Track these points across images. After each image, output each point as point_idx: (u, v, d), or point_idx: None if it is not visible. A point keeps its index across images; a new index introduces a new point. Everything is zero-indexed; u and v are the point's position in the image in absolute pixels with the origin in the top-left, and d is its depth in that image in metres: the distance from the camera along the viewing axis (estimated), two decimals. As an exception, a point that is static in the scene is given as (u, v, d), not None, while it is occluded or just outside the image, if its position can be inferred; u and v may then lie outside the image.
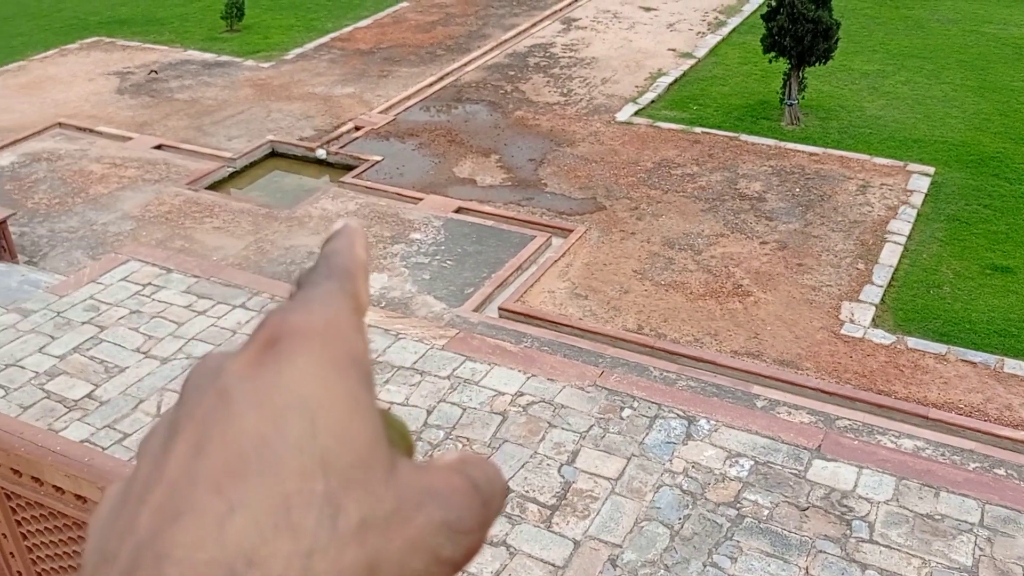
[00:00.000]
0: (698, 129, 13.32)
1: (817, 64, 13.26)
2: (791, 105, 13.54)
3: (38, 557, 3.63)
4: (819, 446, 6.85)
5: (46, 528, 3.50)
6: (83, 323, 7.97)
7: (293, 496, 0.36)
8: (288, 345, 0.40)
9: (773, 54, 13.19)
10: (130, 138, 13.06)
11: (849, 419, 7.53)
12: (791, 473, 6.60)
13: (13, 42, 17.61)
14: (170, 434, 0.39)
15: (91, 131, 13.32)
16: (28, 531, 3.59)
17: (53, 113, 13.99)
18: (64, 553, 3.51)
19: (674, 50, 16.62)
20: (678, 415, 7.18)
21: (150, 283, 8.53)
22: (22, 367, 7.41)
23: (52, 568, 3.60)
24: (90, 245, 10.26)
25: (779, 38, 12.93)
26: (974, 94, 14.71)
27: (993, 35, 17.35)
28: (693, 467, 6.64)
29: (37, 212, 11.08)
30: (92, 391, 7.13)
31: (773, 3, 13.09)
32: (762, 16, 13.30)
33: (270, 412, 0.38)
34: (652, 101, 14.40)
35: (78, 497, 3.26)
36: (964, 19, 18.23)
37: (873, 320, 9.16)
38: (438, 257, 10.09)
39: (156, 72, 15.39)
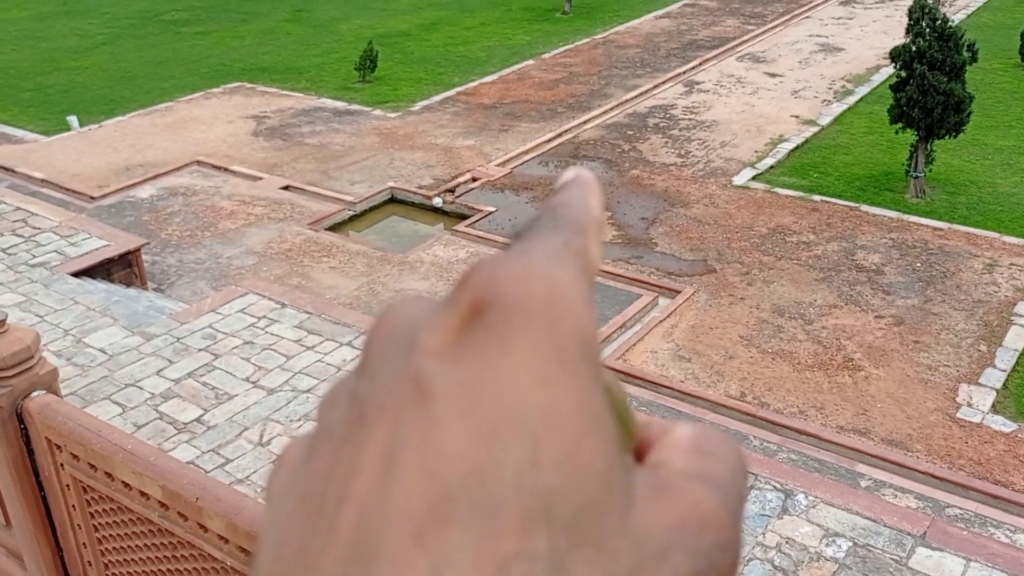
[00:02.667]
0: (817, 197, 13.06)
1: (947, 137, 12.85)
2: (917, 178, 13.13)
3: (106, 549, 3.87)
4: (925, 533, 6.50)
5: (114, 522, 3.72)
6: (199, 350, 8.37)
7: (511, 561, 0.28)
8: (502, 320, 0.31)
9: (900, 125, 12.87)
10: (260, 178, 13.74)
11: (960, 508, 7.13)
12: (892, 559, 6.28)
13: (164, 84, 18.89)
14: (355, 417, 0.32)
15: (226, 170, 14.09)
16: (99, 523, 3.84)
17: (193, 151, 14.88)
18: (128, 547, 3.73)
19: (797, 116, 16.41)
20: (775, 487, 6.96)
21: (265, 316, 8.90)
22: (140, 387, 7.82)
23: (117, 560, 3.83)
24: (214, 276, 10.80)
25: (907, 109, 12.61)
26: (1120, 175, 13.93)
27: None
28: (787, 543, 6.40)
29: (169, 243, 11.76)
30: (201, 415, 7.46)
31: (903, 74, 12.80)
32: (891, 86, 13.02)
33: (481, 427, 0.30)
34: (771, 166, 14.22)
35: (143, 494, 3.44)
36: (1112, 97, 17.36)
37: (993, 406, 8.69)
38: (542, 309, 10.15)
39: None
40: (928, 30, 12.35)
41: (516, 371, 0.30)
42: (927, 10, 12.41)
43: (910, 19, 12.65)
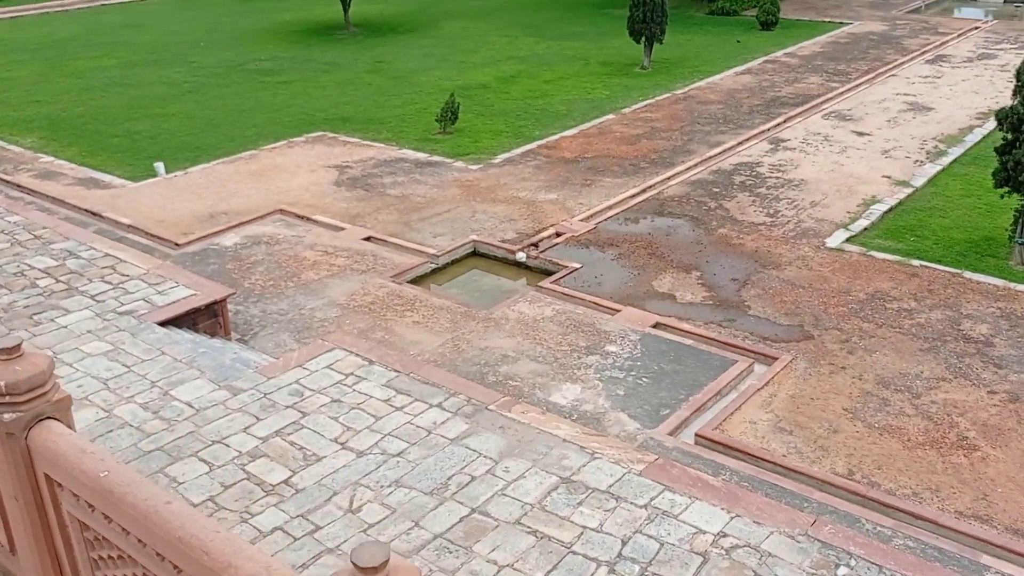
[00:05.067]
0: (916, 262, 12.49)
1: (1055, 202, 12.23)
2: (1022, 244, 12.50)
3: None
4: (1073, 643, 5.89)
5: (114, 561, 3.59)
6: (287, 407, 8.16)
7: None
8: None
9: (1006, 189, 12.30)
10: (343, 228, 13.69)
11: (1106, 613, 6.49)
12: (1039, 671, 5.68)
13: (248, 132, 19.16)
14: None
15: (308, 219, 14.08)
16: (99, 560, 3.72)
17: (276, 200, 14.94)
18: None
19: (889, 177, 15.88)
20: (899, 581, 6.41)
21: (352, 373, 8.67)
22: (227, 445, 7.62)
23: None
24: (297, 328, 10.66)
25: (1014, 173, 12.06)
26: None
27: None
28: (918, 646, 5.85)
29: (252, 292, 11.70)
30: (289, 477, 7.21)
31: (1008, 136, 12.27)
32: (996, 149, 12.47)
33: None
34: (865, 228, 13.70)
35: (140, 542, 3.31)
36: None
37: None
38: (633, 373, 9.77)
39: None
40: (1038, 92, 11.82)
41: None
42: (1037, 71, 11.90)
43: (1018, 80, 12.15)
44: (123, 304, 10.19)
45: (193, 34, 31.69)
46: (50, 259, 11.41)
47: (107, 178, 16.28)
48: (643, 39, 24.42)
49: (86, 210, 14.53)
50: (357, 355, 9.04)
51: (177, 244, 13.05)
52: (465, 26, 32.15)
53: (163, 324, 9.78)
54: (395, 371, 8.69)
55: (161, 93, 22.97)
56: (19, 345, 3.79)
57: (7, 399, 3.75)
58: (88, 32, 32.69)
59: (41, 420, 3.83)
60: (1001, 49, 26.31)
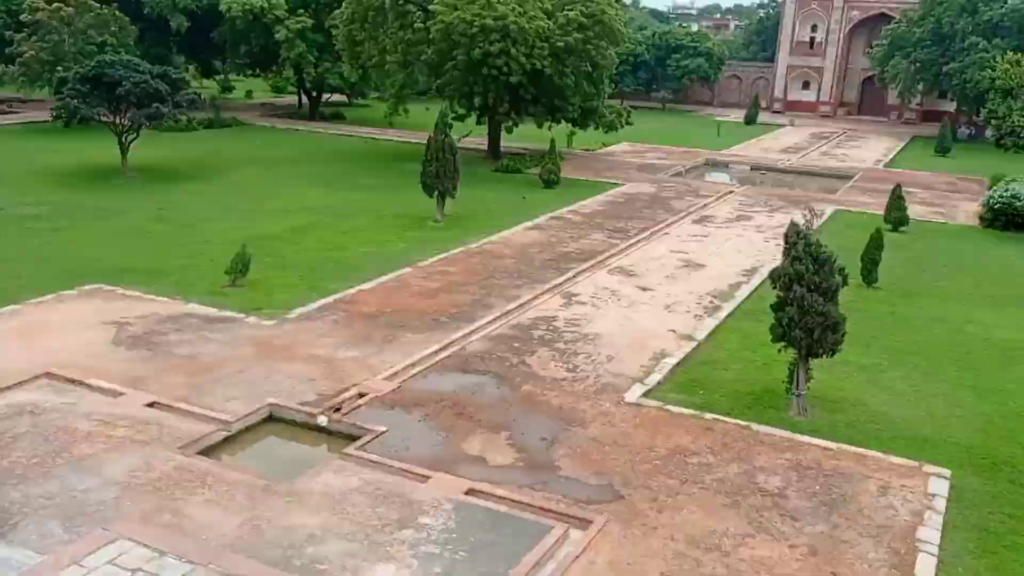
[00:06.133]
0: (709, 415, 13.07)
1: (824, 356, 13.31)
2: (799, 396, 13.44)
3: None
4: None
5: None
6: (59, 616, 7.02)
7: None
8: None
9: (783, 344, 13.27)
10: (122, 393, 12.51)
11: None
12: None
13: (8, 284, 17.42)
14: None
15: (81, 383, 12.77)
16: None
17: (43, 362, 13.48)
18: None
19: (674, 331, 16.80)
20: None
21: (140, 568, 7.66)
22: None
23: None
24: (67, 515, 9.38)
25: (789, 329, 13.05)
26: (972, 394, 14.76)
27: (977, 335, 17.81)
28: None
29: (12, 473, 10.27)
30: None
31: (780, 295, 13.32)
32: (771, 306, 13.49)
33: None
34: (659, 382, 14.27)
35: None
36: (947, 318, 18.82)
37: (926, 646, 8.39)
38: (450, 547, 9.32)
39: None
40: (804, 254, 13.00)
41: None
42: (802, 234, 13.12)
43: (786, 242, 13.31)
44: None
45: (-54, 173, 29.10)
46: None
47: None
48: (436, 193, 25.04)
49: None
50: (144, 545, 8.02)
51: (-80, 417, 11.36)
52: (254, 175, 31.71)
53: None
54: (190, 563, 7.77)
55: (-97, 237, 20.64)
56: None
57: None
58: None
59: None
60: (755, 211, 29.25)
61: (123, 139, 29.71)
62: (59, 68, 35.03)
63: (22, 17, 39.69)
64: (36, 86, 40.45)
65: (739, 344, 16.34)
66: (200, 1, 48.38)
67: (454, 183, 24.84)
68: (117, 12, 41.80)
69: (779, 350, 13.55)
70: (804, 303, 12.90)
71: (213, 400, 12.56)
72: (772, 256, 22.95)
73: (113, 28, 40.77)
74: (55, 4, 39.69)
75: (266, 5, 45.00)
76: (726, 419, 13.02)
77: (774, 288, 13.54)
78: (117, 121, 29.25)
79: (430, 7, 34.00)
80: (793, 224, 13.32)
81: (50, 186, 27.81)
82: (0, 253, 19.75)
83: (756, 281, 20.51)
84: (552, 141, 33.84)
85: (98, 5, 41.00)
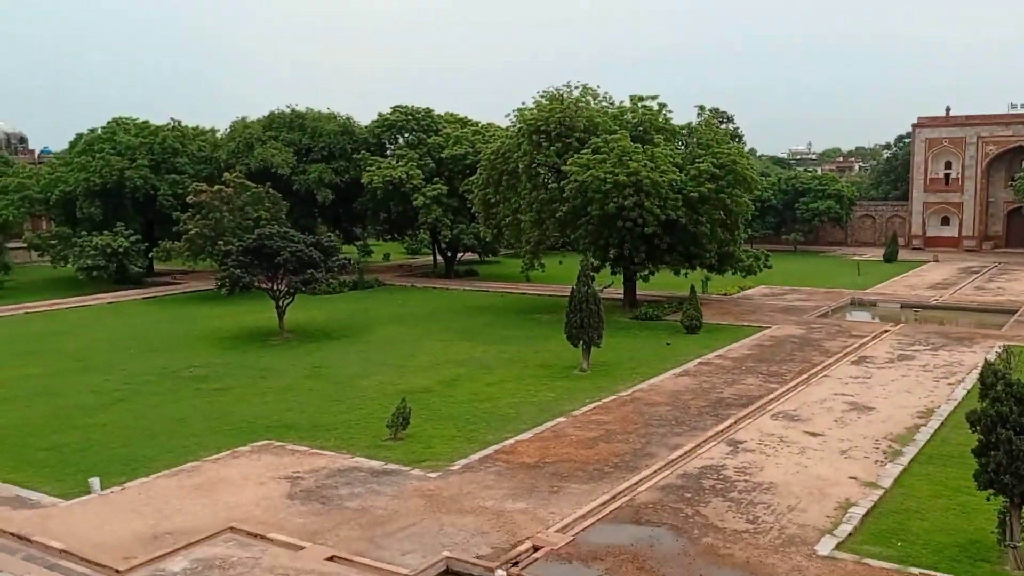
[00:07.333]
0: (914, 570, 11.99)
1: (1037, 503, 12.15)
2: (1015, 547, 12.21)
3: None
4: None
5: None
6: None
7: None
8: None
9: (991, 492, 12.22)
10: (302, 547, 12.53)
11: None
12: None
13: (187, 442, 18.13)
14: None
15: (263, 538, 12.90)
16: None
17: (225, 516, 13.74)
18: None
19: (856, 478, 15.77)
20: None
21: None
22: None
23: None
24: (263, 672, 9.24)
25: (997, 475, 12.04)
26: None
27: None
28: None
29: (206, 627, 10.27)
30: None
31: (981, 438, 12.39)
32: (972, 451, 12.53)
33: None
34: (850, 534, 13.27)
35: None
36: None
37: None
38: None
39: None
40: (1005, 395, 12.14)
41: None
42: (1000, 375, 12.30)
43: (983, 383, 12.50)
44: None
45: (121, 341, 31.15)
46: (-30, 596, 9.91)
47: (35, 496, 14.86)
48: (581, 343, 25.03)
49: (12, 534, 13.00)
50: None
51: (118, 572, 11.62)
52: (399, 331, 32.61)
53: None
54: None
55: (89, 402, 21.93)
56: None
57: None
58: (11, 340, 31.81)
59: None
60: (916, 350, 27.85)
61: (279, 303, 31.29)
62: (220, 242, 37.60)
63: (188, 199, 43.22)
64: (199, 259, 43.49)
65: (931, 491, 15.17)
66: (343, 176, 51.82)
67: (599, 332, 24.84)
68: (270, 190, 45.05)
69: (987, 498, 12.48)
70: (1012, 447, 11.93)
71: (390, 554, 12.41)
72: (946, 397, 21.62)
73: (267, 204, 43.81)
74: (216, 186, 43.18)
75: (405, 176, 47.73)
76: (933, 573, 11.90)
77: (973, 432, 12.63)
78: (274, 287, 30.94)
79: (562, 168, 35.20)
80: (988, 364, 12.59)
81: (215, 349, 29.31)
82: (176, 413, 20.67)
83: (935, 423, 19.26)
84: (692, 287, 33.62)
85: (253, 185, 44.32)
